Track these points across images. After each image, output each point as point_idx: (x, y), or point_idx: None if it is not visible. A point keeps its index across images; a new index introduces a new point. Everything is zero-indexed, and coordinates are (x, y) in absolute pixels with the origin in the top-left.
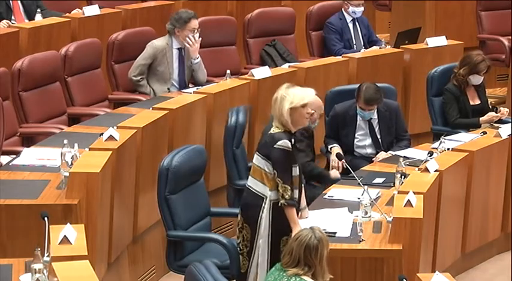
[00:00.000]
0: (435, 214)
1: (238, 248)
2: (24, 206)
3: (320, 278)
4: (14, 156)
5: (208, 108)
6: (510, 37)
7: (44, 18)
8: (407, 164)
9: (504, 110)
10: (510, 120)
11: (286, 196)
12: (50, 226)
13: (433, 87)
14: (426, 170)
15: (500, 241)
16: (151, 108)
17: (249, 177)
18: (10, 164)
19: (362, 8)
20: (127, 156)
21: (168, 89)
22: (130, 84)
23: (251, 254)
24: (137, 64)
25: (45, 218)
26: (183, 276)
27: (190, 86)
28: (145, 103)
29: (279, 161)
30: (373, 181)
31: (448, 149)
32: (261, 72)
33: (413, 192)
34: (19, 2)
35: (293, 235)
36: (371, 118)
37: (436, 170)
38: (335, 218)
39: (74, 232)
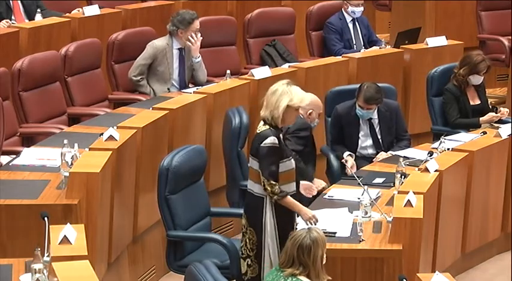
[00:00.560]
0: (435, 214)
1: (240, 252)
2: (24, 206)
3: (315, 278)
4: (14, 156)
5: (208, 108)
6: (510, 37)
7: (44, 18)
8: (407, 164)
9: (504, 110)
10: (510, 120)
11: (276, 191)
12: (50, 226)
13: (433, 87)
14: (426, 170)
15: (500, 241)
16: (151, 108)
17: (248, 181)
18: (10, 164)
19: (362, 8)
20: (127, 156)
21: (168, 89)
22: (130, 84)
23: (261, 256)
24: (137, 64)
25: (45, 218)
26: (183, 276)
27: (190, 86)
28: (145, 103)
29: (263, 158)
30: (373, 181)
31: (448, 149)
32: (261, 72)
33: (413, 192)
34: (19, 2)
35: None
36: (371, 118)
37: (436, 170)
38: (335, 218)
39: (74, 232)
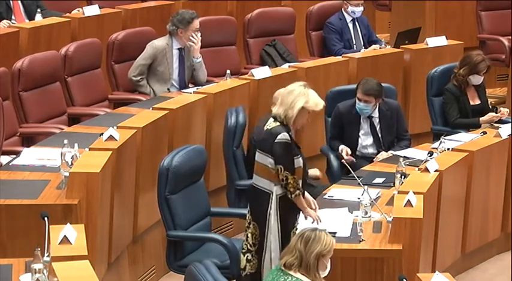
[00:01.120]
0: (435, 214)
1: (242, 247)
2: (24, 206)
3: (305, 272)
4: (14, 156)
5: (208, 108)
6: (510, 37)
7: (44, 18)
8: (407, 164)
9: (504, 110)
10: (510, 120)
11: (298, 186)
12: (50, 226)
13: (433, 87)
14: (426, 170)
15: (500, 241)
16: (151, 108)
17: (254, 175)
18: (10, 164)
19: (361, 8)
20: (127, 156)
21: (168, 89)
22: (130, 84)
23: (262, 252)
24: (137, 64)
25: (45, 218)
26: (183, 276)
27: (190, 86)
28: (145, 103)
29: (283, 155)
30: (373, 181)
31: (448, 149)
32: (261, 72)
33: (413, 192)
34: (19, 2)
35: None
36: (372, 116)
37: (436, 170)
38: (335, 218)
39: (74, 232)
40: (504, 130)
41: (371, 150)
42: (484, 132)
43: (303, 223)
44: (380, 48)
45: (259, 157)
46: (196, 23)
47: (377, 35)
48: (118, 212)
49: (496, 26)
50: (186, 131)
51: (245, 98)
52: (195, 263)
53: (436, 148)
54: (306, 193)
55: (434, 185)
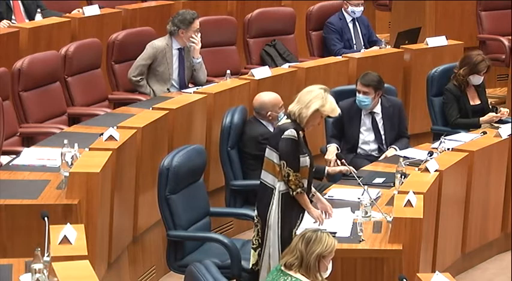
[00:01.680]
0: (435, 214)
1: (252, 243)
2: (24, 206)
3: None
4: (14, 156)
5: (208, 108)
6: (510, 37)
7: (44, 18)
8: (407, 164)
9: (504, 111)
10: (510, 120)
11: (300, 184)
12: (50, 226)
13: (433, 87)
14: (426, 170)
15: (500, 241)
16: (151, 108)
17: (262, 171)
18: (10, 164)
19: (361, 8)
20: (127, 156)
21: (168, 89)
22: (130, 84)
23: (262, 248)
24: (137, 64)
25: (45, 218)
26: (183, 276)
27: (190, 86)
28: (145, 103)
29: (287, 151)
30: (373, 181)
31: (448, 149)
32: (261, 72)
33: (413, 192)
34: (19, 1)
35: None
36: (374, 112)
37: (436, 170)
38: (335, 218)
39: (74, 232)
40: (504, 130)
41: (373, 146)
42: (484, 132)
43: (306, 222)
44: (380, 48)
45: (268, 153)
46: (197, 24)
47: (377, 35)
48: (118, 212)
49: (496, 26)
50: (186, 131)
51: (245, 98)
52: (195, 263)
53: (436, 148)
54: (324, 199)
55: (434, 185)
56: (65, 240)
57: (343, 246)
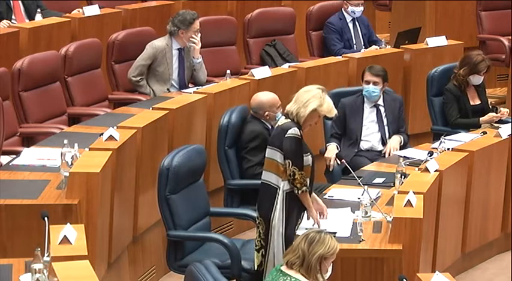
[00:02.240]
0: (435, 214)
1: (255, 244)
2: (24, 206)
3: (306, 273)
4: (14, 156)
5: (208, 108)
6: (510, 37)
7: (44, 18)
8: (407, 164)
9: (504, 111)
10: (510, 120)
11: (305, 183)
12: (50, 226)
13: (433, 87)
14: (426, 170)
15: (500, 241)
16: (151, 108)
17: (263, 171)
18: (10, 164)
19: (361, 8)
20: (127, 156)
21: (168, 89)
22: (130, 84)
23: (267, 249)
24: (137, 64)
25: (45, 218)
26: (183, 276)
27: (190, 86)
28: (145, 103)
29: (292, 150)
30: (373, 181)
31: (448, 149)
32: (261, 72)
33: (413, 192)
34: (19, 1)
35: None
36: (378, 105)
37: (436, 170)
38: (335, 218)
39: (74, 232)
40: (504, 130)
41: (376, 138)
42: (484, 132)
43: (304, 222)
44: (380, 48)
45: (269, 152)
46: (197, 24)
47: (377, 35)
48: (118, 212)
49: (496, 26)
50: (186, 131)
51: (245, 98)
52: (195, 263)
53: (436, 148)
54: (320, 200)
55: (434, 185)
56: (65, 240)
57: (343, 246)
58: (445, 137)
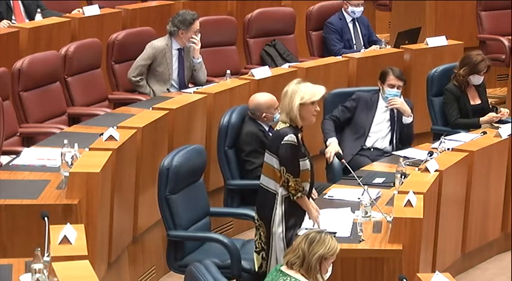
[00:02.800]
0: (435, 214)
1: (254, 246)
2: (24, 206)
3: (306, 273)
4: (14, 156)
5: (208, 108)
6: (510, 37)
7: (44, 18)
8: (408, 164)
9: (504, 111)
10: (510, 120)
11: (300, 189)
12: (50, 226)
13: (433, 87)
14: (426, 170)
15: (500, 241)
16: (151, 108)
17: (262, 176)
18: (10, 164)
19: (361, 8)
20: (127, 156)
21: (168, 89)
22: (130, 84)
23: (269, 253)
24: (136, 65)
25: (45, 218)
26: (183, 276)
27: (190, 86)
28: (145, 103)
29: (287, 157)
30: (373, 181)
31: (448, 149)
32: (261, 72)
33: (413, 192)
34: (19, 1)
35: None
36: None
37: (436, 170)
38: (335, 218)
39: (74, 232)
40: (504, 130)
41: (385, 140)
42: (484, 132)
43: (305, 223)
44: (380, 48)
45: (267, 158)
46: (197, 24)
47: (377, 35)
48: (118, 212)
49: (496, 26)
50: (186, 131)
51: (245, 98)
52: (195, 263)
53: (436, 148)
54: (313, 203)
55: (434, 185)
56: (65, 240)
57: (343, 246)
58: (445, 137)
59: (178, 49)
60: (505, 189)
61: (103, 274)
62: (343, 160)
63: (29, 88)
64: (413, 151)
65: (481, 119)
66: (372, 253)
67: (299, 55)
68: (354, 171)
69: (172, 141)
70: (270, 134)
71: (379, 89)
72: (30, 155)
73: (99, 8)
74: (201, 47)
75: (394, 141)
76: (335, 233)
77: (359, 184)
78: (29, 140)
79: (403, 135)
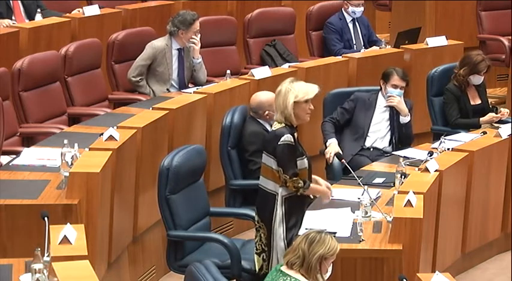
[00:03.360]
0: (435, 214)
1: (255, 248)
2: (24, 206)
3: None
4: (14, 156)
5: (208, 108)
6: (510, 37)
7: (44, 18)
8: (408, 164)
9: (504, 111)
10: (510, 120)
11: (300, 185)
12: (50, 226)
13: (433, 87)
14: (426, 170)
15: (500, 241)
16: (151, 108)
17: (260, 177)
18: (10, 164)
19: (362, 8)
20: (127, 156)
21: (168, 89)
22: (130, 84)
23: (270, 254)
24: (136, 65)
25: (45, 218)
26: (183, 276)
27: (190, 86)
28: (145, 103)
29: (284, 157)
30: (373, 181)
31: (448, 149)
32: (261, 72)
33: (413, 192)
34: (19, 2)
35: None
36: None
37: (436, 170)
38: (335, 218)
39: (74, 232)
40: (504, 130)
41: (384, 140)
42: (484, 132)
43: (305, 222)
44: (380, 48)
45: (265, 158)
46: (197, 25)
47: (377, 35)
48: (118, 212)
49: (496, 26)
50: (186, 131)
51: (245, 98)
52: (195, 263)
53: (436, 148)
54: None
55: (434, 185)
56: (65, 240)
57: (343, 246)
58: (445, 137)
59: (178, 49)
60: (505, 189)
61: (103, 274)
62: (343, 160)
63: (29, 88)
64: (413, 151)
65: (481, 119)
66: (372, 253)
67: (299, 55)
68: (353, 171)
69: (172, 141)
70: None
71: (380, 89)
72: (30, 155)
73: (99, 8)
74: (201, 47)
75: (394, 141)
76: (335, 233)
77: (359, 184)
78: (29, 140)
79: (401, 135)
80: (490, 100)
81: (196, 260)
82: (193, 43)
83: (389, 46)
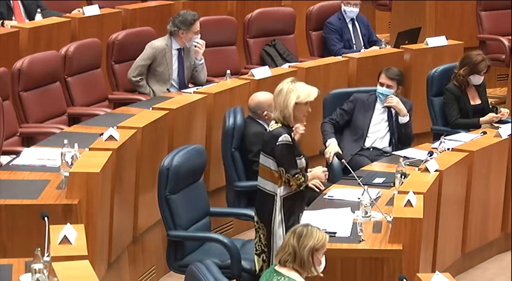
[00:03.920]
0: (435, 214)
1: (254, 249)
2: (24, 206)
3: (300, 268)
4: (14, 156)
5: (208, 108)
6: (510, 37)
7: (44, 18)
8: (407, 164)
9: (504, 111)
10: (510, 120)
11: (301, 181)
12: (50, 226)
13: (433, 87)
14: (426, 170)
15: (500, 241)
16: (151, 108)
17: (259, 178)
18: (10, 164)
19: (353, 9)
20: (127, 156)
21: (168, 89)
22: (130, 84)
23: (270, 254)
24: (136, 65)
25: (45, 218)
26: (184, 276)
27: (190, 86)
28: (145, 103)
29: (282, 157)
30: (373, 181)
31: (448, 149)
32: (261, 72)
33: (413, 192)
34: (19, 2)
35: None
36: (390, 107)
37: (436, 170)
38: (335, 218)
39: (74, 232)
40: (504, 130)
41: (384, 140)
42: (484, 132)
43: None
44: (380, 48)
45: (263, 159)
46: (197, 25)
47: (377, 35)
48: (118, 212)
49: (496, 26)
50: (186, 131)
51: (245, 98)
52: (196, 263)
53: (436, 148)
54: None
55: (434, 185)
56: (65, 240)
57: (343, 246)
58: (445, 137)
59: (178, 49)
60: (505, 189)
61: (103, 274)
62: (343, 160)
63: (29, 88)
64: (413, 151)
65: (481, 119)
66: (372, 253)
67: (299, 55)
68: (353, 171)
69: (172, 141)
70: None
71: None
72: (30, 155)
73: (99, 8)
74: None
75: (394, 141)
76: (335, 233)
77: (359, 184)
78: (29, 140)
79: (401, 136)
80: (490, 100)
81: (196, 260)
82: (198, 47)
83: (389, 46)
